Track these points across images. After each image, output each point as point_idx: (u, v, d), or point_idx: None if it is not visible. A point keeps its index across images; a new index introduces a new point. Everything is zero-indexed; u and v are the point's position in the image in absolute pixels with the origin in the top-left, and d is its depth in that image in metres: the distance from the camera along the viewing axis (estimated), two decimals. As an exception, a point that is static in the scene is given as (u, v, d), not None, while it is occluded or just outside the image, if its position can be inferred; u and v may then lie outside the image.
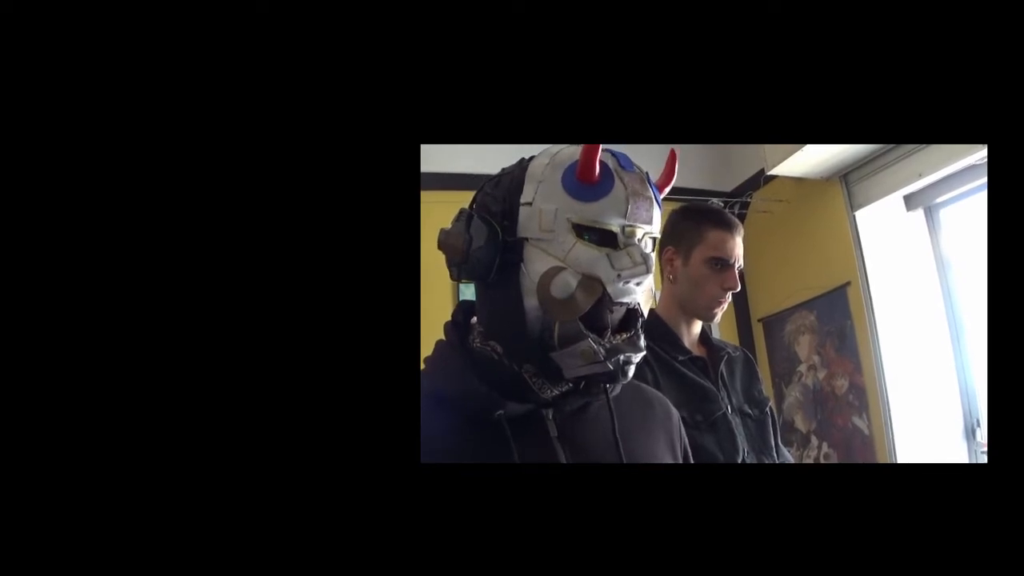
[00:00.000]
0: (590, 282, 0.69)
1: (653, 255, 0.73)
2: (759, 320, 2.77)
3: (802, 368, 2.55)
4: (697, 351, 1.32)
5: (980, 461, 2.15)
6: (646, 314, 0.74)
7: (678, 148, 0.83)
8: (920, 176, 2.15)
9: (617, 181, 0.70)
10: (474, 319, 0.79)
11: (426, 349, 0.78)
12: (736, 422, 1.24)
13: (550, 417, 0.73)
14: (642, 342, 0.72)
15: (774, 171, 2.36)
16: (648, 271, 0.70)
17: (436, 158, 1.82)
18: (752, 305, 2.80)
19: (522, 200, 0.71)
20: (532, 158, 0.75)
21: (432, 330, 0.80)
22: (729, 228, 1.30)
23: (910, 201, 2.35)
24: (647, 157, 0.83)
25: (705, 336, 1.36)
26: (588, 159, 0.69)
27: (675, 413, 0.87)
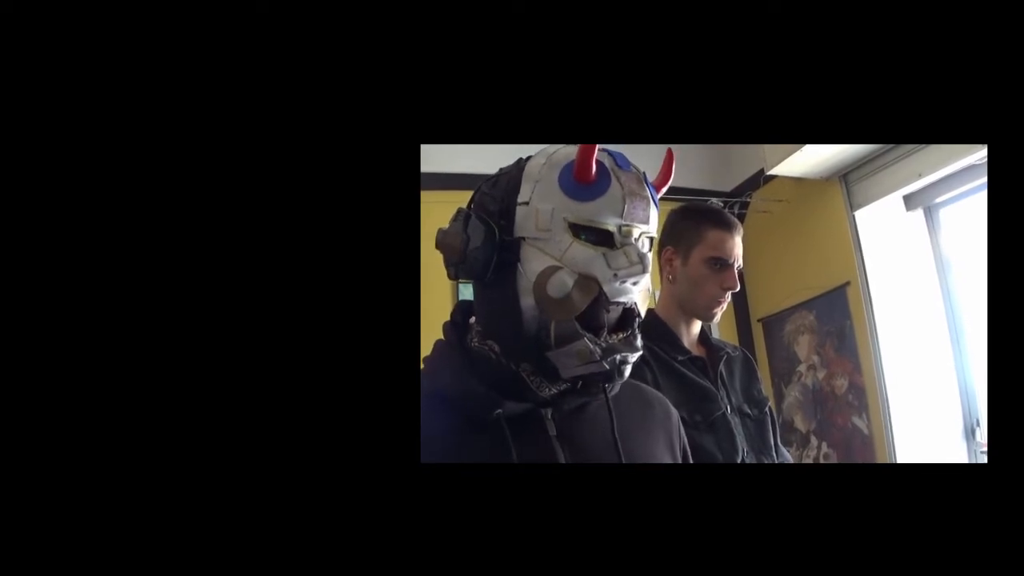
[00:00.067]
0: (586, 281, 0.69)
1: (650, 255, 0.73)
2: (759, 320, 2.77)
3: (801, 368, 2.55)
4: (696, 351, 1.32)
5: (980, 461, 2.15)
6: (643, 314, 0.74)
7: (677, 148, 0.83)
8: (920, 176, 2.15)
9: (614, 181, 0.70)
10: (472, 319, 0.79)
11: (425, 349, 0.78)
12: (735, 422, 1.24)
13: (549, 416, 0.73)
14: (639, 342, 0.72)
15: (774, 171, 2.36)
16: (644, 271, 0.70)
17: (436, 158, 1.82)
18: (752, 305, 2.80)
19: (519, 200, 0.71)
20: (529, 158, 0.75)
21: (432, 330, 0.80)
22: (728, 228, 1.30)
23: (910, 201, 2.35)
24: (646, 157, 0.83)
25: (704, 336, 1.36)
26: (584, 159, 0.69)
27: (674, 413, 0.87)
